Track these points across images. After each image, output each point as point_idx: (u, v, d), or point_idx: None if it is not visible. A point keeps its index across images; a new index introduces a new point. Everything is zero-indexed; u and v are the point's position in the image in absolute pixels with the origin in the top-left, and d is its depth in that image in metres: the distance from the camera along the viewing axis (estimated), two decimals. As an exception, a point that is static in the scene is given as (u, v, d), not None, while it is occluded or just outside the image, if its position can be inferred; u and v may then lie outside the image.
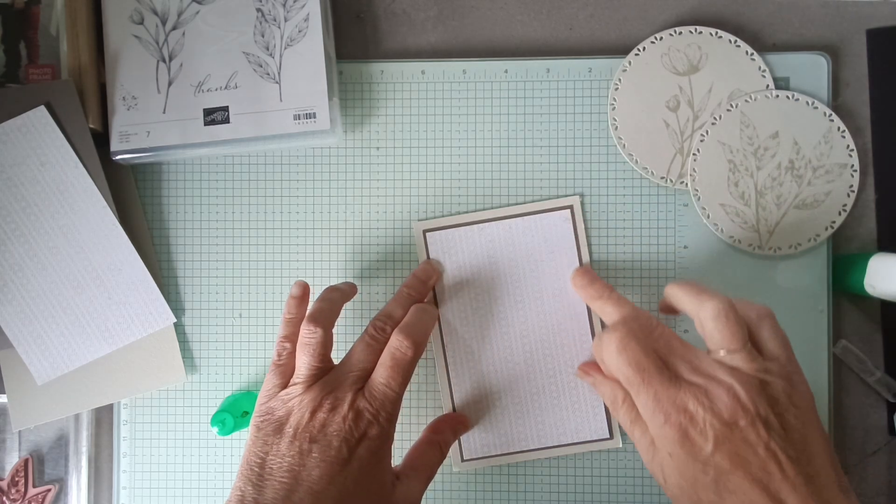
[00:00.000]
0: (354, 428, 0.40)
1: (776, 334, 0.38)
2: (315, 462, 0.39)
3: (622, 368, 0.38)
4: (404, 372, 0.42)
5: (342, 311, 0.50)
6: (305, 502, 0.38)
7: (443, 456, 0.46)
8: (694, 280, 0.42)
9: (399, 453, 0.46)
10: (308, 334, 0.42)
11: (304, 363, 0.42)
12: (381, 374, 0.41)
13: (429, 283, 0.48)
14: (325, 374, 0.42)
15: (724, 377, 0.36)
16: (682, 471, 0.36)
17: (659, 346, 0.39)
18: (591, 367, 0.45)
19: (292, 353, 0.43)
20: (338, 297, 0.46)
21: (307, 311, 0.44)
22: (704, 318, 0.38)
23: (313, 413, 0.40)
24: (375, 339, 0.43)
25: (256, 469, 0.39)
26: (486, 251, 0.49)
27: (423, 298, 0.48)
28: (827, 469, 0.35)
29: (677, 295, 0.41)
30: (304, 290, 0.45)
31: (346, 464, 0.39)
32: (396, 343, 0.42)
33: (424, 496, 0.49)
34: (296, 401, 0.41)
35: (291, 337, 0.44)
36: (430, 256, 0.50)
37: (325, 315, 0.43)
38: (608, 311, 0.43)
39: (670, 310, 0.43)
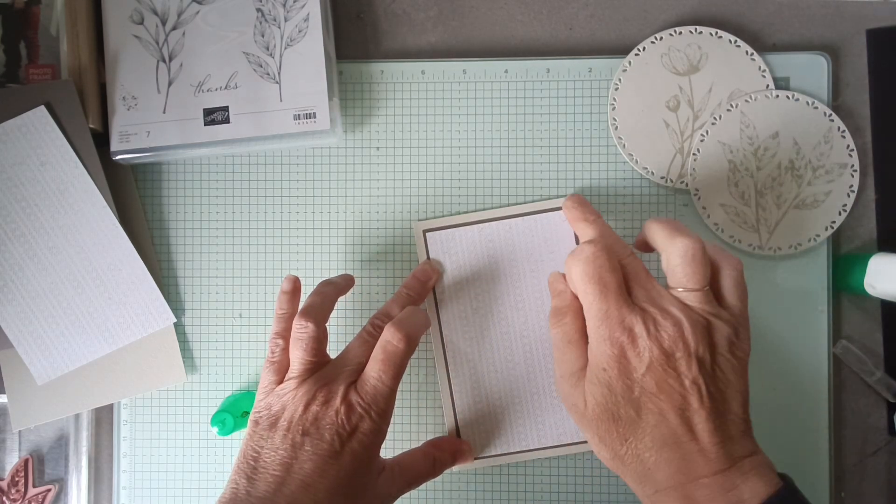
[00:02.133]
0: (346, 422, 0.40)
1: (738, 286, 0.40)
2: (307, 455, 0.39)
3: (584, 279, 0.40)
4: (396, 366, 0.41)
5: (343, 312, 0.50)
6: (297, 495, 0.38)
7: (433, 471, 0.45)
8: (677, 220, 0.42)
9: (394, 453, 0.46)
10: (300, 329, 0.42)
11: (297, 358, 0.42)
12: (373, 368, 0.41)
13: (428, 284, 0.48)
14: (319, 368, 0.42)
15: (675, 311, 0.38)
16: (611, 386, 0.38)
17: (626, 271, 0.40)
18: (561, 277, 0.45)
19: (285, 350, 0.43)
20: (331, 291, 0.46)
21: (300, 306, 0.44)
22: (672, 254, 0.39)
23: (307, 406, 0.40)
24: (372, 335, 0.44)
25: (251, 462, 0.40)
26: (486, 251, 0.49)
27: (422, 299, 0.48)
28: (738, 412, 0.38)
29: (653, 229, 0.41)
30: (295, 284, 0.45)
31: (338, 456, 0.39)
32: (388, 336, 0.42)
33: (425, 496, 0.50)
34: (290, 395, 0.41)
35: (283, 333, 0.44)
36: (430, 256, 0.50)
37: (317, 310, 0.43)
38: (589, 232, 0.44)
39: (645, 246, 0.44)
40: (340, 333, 0.50)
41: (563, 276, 0.44)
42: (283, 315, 0.44)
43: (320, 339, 0.43)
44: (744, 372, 0.39)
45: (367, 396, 0.41)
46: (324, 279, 0.46)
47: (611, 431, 0.38)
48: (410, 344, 0.42)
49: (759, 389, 0.49)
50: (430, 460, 0.45)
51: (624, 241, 0.42)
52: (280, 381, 0.43)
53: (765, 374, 0.49)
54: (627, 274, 0.40)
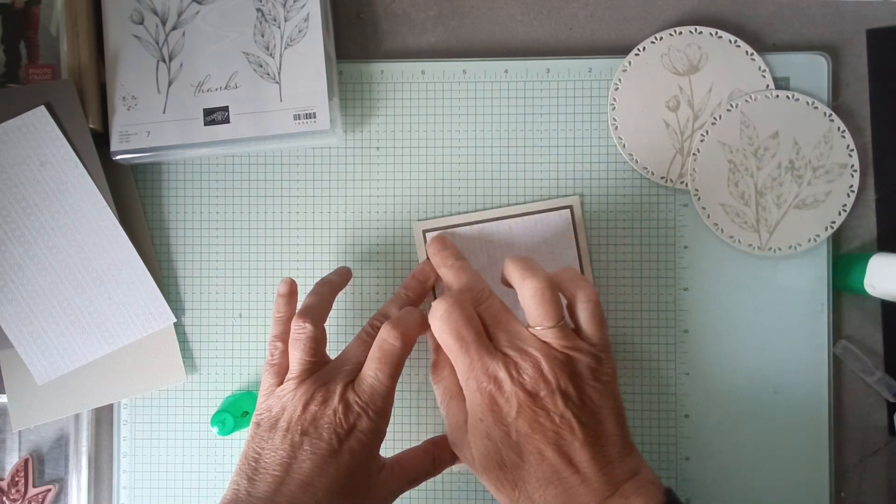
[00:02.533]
0: (344, 420, 0.40)
1: (593, 316, 0.41)
2: (306, 455, 0.39)
3: (444, 337, 0.41)
4: (393, 364, 0.42)
5: (342, 312, 0.50)
6: (296, 494, 0.38)
7: (433, 470, 0.45)
8: (528, 257, 0.43)
9: (394, 452, 0.46)
10: (298, 330, 0.43)
11: (296, 359, 0.43)
12: (370, 367, 0.42)
13: (427, 284, 0.48)
14: (318, 368, 0.43)
15: (533, 351, 0.39)
16: (490, 434, 0.39)
17: (485, 317, 0.42)
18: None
19: (284, 352, 0.44)
20: (327, 290, 0.46)
21: (298, 308, 0.44)
22: (523, 295, 0.41)
23: (305, 406, 0.41)
24: (370, 335, 0.44)
25: (252, 463, 0.40)
26: (486, 251, 0.49)
27: (421, 300, 0.48)
28: (614, 432, 0.39)
29: (508, 269, 0.43)
30: (291, 287, 0.46)
31: (336, 455, 0.39)
32: (384, 335, 0.42)
33: (425, 496, 0.50)
34: (289, 396, 0.41)
35: (282, 336, 0.44)
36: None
37: (315, 310, 0.44)
38: (449, 280, 0.45)
39: (507, 283, 0.44)
40: (340, 333, 0.50)
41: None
42: (280, 318, 0.45)
43: (318, 339, 0.43)
44: (613, 393, 0.40)
45: (365, 395, 0.41)
46: (320, 279, 0.46)
47: (500, 479, 0.39)
48: (407, 342, 0.42)
49: (760, 390, 0.49)
50: (430, 458, 0.45)
51: (482, 283, 0.43)
52: (280, 383, 0.43)
53: (765, 374, 0.49)
54: (486, 319, 0.42)
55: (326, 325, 0.44)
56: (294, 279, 0.46)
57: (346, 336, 0.50)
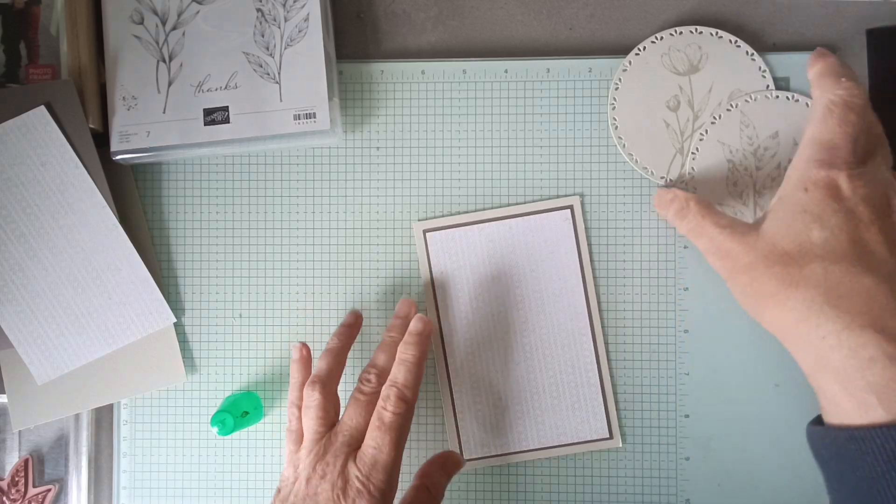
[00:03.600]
0: (343, 497, 0.39)
1: None
2: None
3: (846, 126, 0.40)
4: (395, 432, 0.41)
5: (342, 314, 0.50)
6: None
7: (433, 498, 0.43)
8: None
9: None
10: (308, 399, 0.43)
11: (307, 427, 0.43)
12: (371, 437, 0.41)
13: (410, 318, 0.47)
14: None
15: None
16: (824, 216, 0.38)
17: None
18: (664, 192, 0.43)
19: (300, 418, 0.44)
20: (338, 348, 0.46)
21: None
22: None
23: (308, 480, 0.41)
24: (363, 392, 0.43)
25: None
26: (486, 251, 0.49)
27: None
28: None
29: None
30: (303, 353, 0.46)
31: None
32: (382, 402, 0.42)
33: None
34: (302, 466, 0.41)
35: (297, 401, 0.44)
36: (431, 256, 0.50)
37: (323, 376, 0.44)
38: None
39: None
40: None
41: (667, 190, 0.45)
42: (294, 383, 0.45)
43: (327, 407, 0.43)
44: None
45: (366, 468, 0.40)
46: (334, 333, 0.47)
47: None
48: (409, 403, 0.42)
49: (760, 390, 0.49)
50: (425, 490, 0.43)
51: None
52: (298, 450, 0.43)
53: (765, 374, 0.49)
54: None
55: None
56: (307, 344, 0.47)
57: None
